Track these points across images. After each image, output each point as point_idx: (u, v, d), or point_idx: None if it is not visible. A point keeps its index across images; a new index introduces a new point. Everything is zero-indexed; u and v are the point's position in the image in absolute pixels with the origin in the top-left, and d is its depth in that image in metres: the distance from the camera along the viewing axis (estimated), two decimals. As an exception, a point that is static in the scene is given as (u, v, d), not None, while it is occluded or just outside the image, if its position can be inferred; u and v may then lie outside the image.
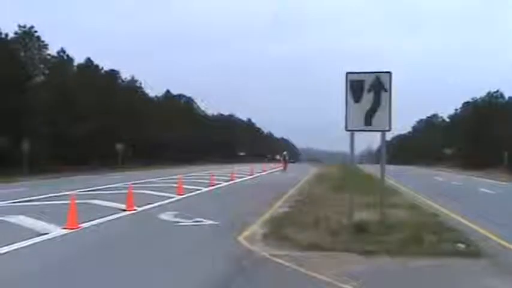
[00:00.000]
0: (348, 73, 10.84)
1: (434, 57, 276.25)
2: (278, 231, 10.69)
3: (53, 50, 51.07)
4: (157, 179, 31.62)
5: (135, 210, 14.89)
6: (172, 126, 74.14)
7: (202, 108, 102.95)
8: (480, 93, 78.81)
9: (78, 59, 59.08)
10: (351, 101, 10.77)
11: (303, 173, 42.29)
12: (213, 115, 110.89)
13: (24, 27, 47.26)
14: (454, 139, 78.26)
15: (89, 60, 61.46)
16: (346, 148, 12.16)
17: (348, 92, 10.79)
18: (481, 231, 11.75)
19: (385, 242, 9.26)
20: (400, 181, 31.64)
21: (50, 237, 10.43)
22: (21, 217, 13.02)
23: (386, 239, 9.51)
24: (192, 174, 37.63)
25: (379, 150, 22.43)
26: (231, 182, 30.16)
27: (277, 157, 71.63)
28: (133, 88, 71.58)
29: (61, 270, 7.90)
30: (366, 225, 10.39)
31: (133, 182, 26.27)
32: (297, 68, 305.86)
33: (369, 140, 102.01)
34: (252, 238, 10.41)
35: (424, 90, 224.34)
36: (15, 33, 46.79)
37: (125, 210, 14.67)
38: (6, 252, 8.92)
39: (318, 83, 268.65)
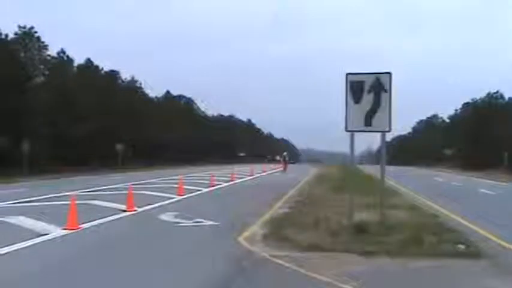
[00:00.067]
0: (347, 74, 10.85)
1: (434, 57, 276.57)
2: (278, 231, 10.69)
3: (53, 51, 51.19)
4: (158, 179, 31.63)
5: (135, 210, 14.89)
6: (173, 126, 74.17)
7: (202, 109, 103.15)
8: (480, 93, 78.93)
9: (78, 59, 59.22)
10: (351, 101, 10.78)
11: (303, 174, 42.29)
12: (213, 116, 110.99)
13: (24, 27, 47.31)
14: (454, 140, 78.28)
15: (89, 60, 61.51)
16: (346, 149, 12.19)
17: (348, 92, 10.80)
18: (481, 232, 11.75)
19: (385, 243, 9.27)
20: (400, 182, 31.64)
21: (50, 238, 10.43)
22: (21, 218, 13.02)
23: (386, 240, 9.51)
24: (192, 174, 37.62)
25: (379, 150, 22.47)
26: (231, 182, 30.16)
27: (277, 158, 71.70)
28: (133, 88, 71.60)
29: (61, 271, 7.90)
30: (366, 226, 10.40)
31: (134, 182, 26.28)
32: (297, 68, 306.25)
33: (369, 141, 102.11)
34: (252, 239, 10.41)
35: (424, 90, 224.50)
36: (15, 33, 46.85)
37: (125, 211, 14.67)
38: (6, 253, 8.92)
39: (318, 83, 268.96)
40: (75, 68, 57.82)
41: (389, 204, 13.62)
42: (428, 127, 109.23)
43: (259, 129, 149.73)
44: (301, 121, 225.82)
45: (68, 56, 55.48)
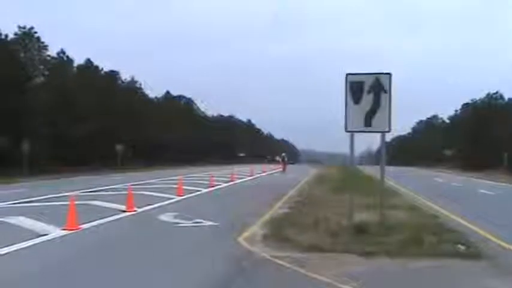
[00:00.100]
0: (347, 74, 10.85)
1: (434, 57, 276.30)
2: (278, 232, 10.69)
3: (52, 51, 51.25)
4: (157, 180, 31.63)
5: (135, 211, 14.89)
6: (172, 127, 74.19)
7: (202, 109, 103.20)
8: (480, 93, 78.96)
9: (78, 59, 59.27)
10: (350, 102, 10.77)
11: (302, 174, 42.29)
12: (213, 116, 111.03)
13: (24, 28, 47.35)
14: (453, 140, 78.30)
15: (88, 61, 61.55)
16: (346, 149, 12.18)
17: (348, 93, 10.79)
18: (481, 232, 11.75)
19: (385, 243, 9.26)
20: (399, 182, 31.64)
21: (49, 238, 10.43)
22: (21, 218, 13.02)
23: (386, 240, 9.51)
24: (192, 175, 37.62)
25: (379, 151, 22.47)
26: (231, 183, 30.16)
27: (277, 158, 71.65)
28: (133, 89, 71.62)
29: (61, 271, 7.90)
30: (366, 227, 10.39)
31: (133, 183, 26.29)
32: (297, 68, 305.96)
33: (369, 141, 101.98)
34: (252, 239, 10.41)
35: (424, 90, 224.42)
36: (15, 34, 46.90)
37: (124, 211, 14.67)
38: (6, 253, 8.92)
39: (318, 83, 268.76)
40: (75, 69, 57.85)
41: (389, 205, 13.62)
42: (428, 127, 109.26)
43: (259, 130, 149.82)
44: (301, 121, 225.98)
45: (67, 57, 55.56)
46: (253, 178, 37.15)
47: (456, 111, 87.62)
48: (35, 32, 47.72)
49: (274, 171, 51.01)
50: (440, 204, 18.01)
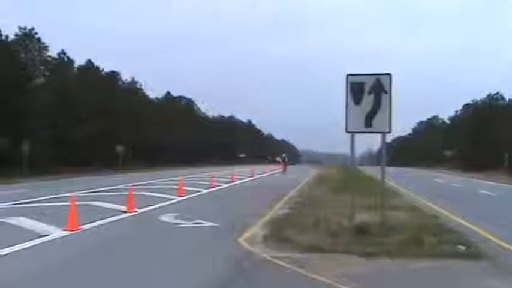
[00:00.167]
0: (348, 75, 10.85)
1: (434, 57, 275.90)
2: (278, 233, 10.69)
3: (53, 52, 51.21)
4: (158, 180, 31.64)
5: (135, 212, 14.89)
6: (173, 128, 74.19)
7: (203, 110, 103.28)
8: (480, 94, 79.06)
9: (79, 59, 59.23)
10: (351, 103, 10.78)
11: (303, 175, 42.30)
12: (213, 117, 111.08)
13: (25, 29, 47.37)
14: (454, 141, 78.26)
15: (89, 61, 61.56)
16: (346, 150, 12.19)
17: (348, 94, 10.80)
18: (481, 232, 11.75)
19: (386, 244, 9.26)
20: (400, 183, 31.65)
21: (50, 239, 10.44)
22: (22, 219, 13.02)
23: (387, 241, 9.51)
24: (193, 175, 37.63)
25: (379, 152, 22.50)
26: (232, 183, 30.17)
27: (278, 159, 71.69)
28: (133, 90, 71.63)
29: (61, 272, 7.91)
30: (367, 227, 10.39)
31: (134, 183, 26.28)
32: (297, 68, 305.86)
33: (369, 142, 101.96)
34: (253, 240, 10.41)
35: (424, 90, 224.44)
36: (16, 34, 46.90)
37: (125, 212, 14.68)
38: (6, 254, 8.93)
39: (318, 83, 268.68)
40: (75, 69, 57.87)
41: (389, 205, 13.62)
42: (429, 128, 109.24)
43: (259, 130, 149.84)
44: (301, 122, 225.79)
45: (68, 57, 55.53)
46: (254, 179, 37.16)
47: (457, 111, 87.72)
48: (36, 33, 47.77)
49: (274, 171, 51.01)
50: (440, 205, 18.01)
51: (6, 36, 45.37)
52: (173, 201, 18.55)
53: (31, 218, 13.12)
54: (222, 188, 26.43)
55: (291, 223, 11.91)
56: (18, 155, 38.19)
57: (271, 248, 9.51)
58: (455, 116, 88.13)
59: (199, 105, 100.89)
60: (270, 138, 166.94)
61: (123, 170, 48.25)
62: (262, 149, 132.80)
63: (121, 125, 57.49)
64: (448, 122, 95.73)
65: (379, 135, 11.25)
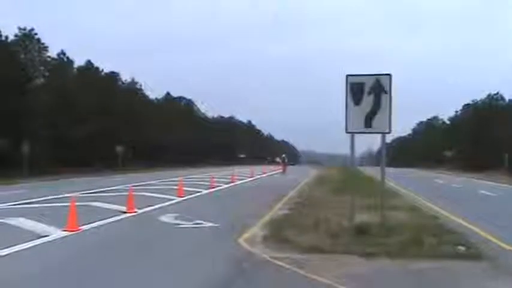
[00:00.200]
0: (348, 76, 10.85)
1: (434, 57, 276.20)
2: (278, 233, 10.69)
3: (53, 52, 51.31)
4: (158, 181, 31.64)
5: (135, 212, 14.89)
6: (173, 128, 74.23)
7: (203, 111, 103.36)
8: (480, 94, 79.13)
9: (78, 59, 59.38)
10: (351, 103, 10.78)
11: (303, 175, 42.30)
12: (213, 117, 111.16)
13: (24, 29, 47.44)
14: (454, 141, 78.26)
15: (89, 62, 61.61)
16: (346, 150, 12.19)
17: (348, 94, 10.80)
18: (482, 233, 11.74)
19: (386, 244, 9.26)
20: (400, 183, 31.65)
21: (50, 240, 10.44)
22: (22, 219, 13.02)
23: (387, 241, 9.50)
24: (192, 176, 37.63)
25: (379, 152, 22.50)
26: (231, 184, 30.17)
27: (277, 159, 71.71)
28: (133, 90, 71.66)
29: (61, 273, 7.90)
30: (367, 228, 10.39)
31: (134, 184, 26.29)
32: (297, 68, 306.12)
33: (369, 142, 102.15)
34: (252, 240, 10.41)
35: (424, 90, 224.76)
36: (16, 35, 47.00)
37: (125, 212, 14.67)
38: (6, 255, 8.92)
39: (318, 83, 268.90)
40: (75, 70, 57.89)
41: (389, 206, 13.61)
42: (429, 128, 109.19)
43: (259, 131, 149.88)
44: (301, 122, 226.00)
45: (68, 58, 55.61)
46: (254, 179, 37.16)
47: (456, 112, 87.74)
48: (35, 34, 47.87)
49: (274, 172, 51.01)
50: (440, 205, 18.01)
51: (6, 37, 45.47)
52: (173, 201, 18.55)
53: (31, 218, 13.11)
54: (222, 189, 26.42)
55: (290, 224, 11.91)
56: (18, 155, 38.20)
57: (271, 248, 9.51)
58: (455, 116, 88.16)
59: (199, 105, 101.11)
60: (270, 138, 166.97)
61: (123, 171, 48.25)
62: (262, 149, 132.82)
63: (121, 125, 57.50)
64: (448, 122, 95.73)
65: (379, 136, 11.25)
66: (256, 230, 11.72)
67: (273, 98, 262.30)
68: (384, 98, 10.68)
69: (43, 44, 48.32)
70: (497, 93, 75.44)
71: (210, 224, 12.75)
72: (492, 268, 8.22)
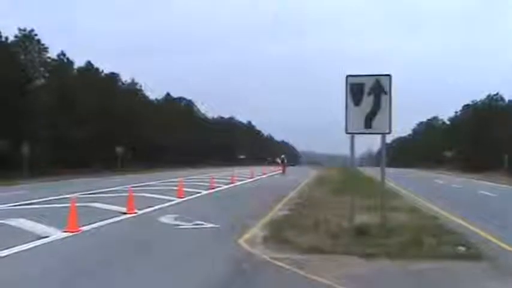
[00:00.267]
0: (348, 76, 10.85)
1: (434, 57, 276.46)
2: (278, 234, 10.69)
3: (53, 53, 51.35)
4: (158, 181, 31.63)
5: (135, 213, 14.89)
6: (173, 129, 74.24)
7: (203, 111, 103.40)
8: (480, 94, 79.18)
9: (78, 60, 59.51)
10: (351, 104, 10.78)
11: (303, 176, 42.29)
12: (213, 118, 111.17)
13: (24, 30, 47.49)
14: (454, 142, 78.26)
15: (89, 63, 61.68)
16: (346, 151, 12.19)
17: (348, 95, 10.79)
18: (482, 233, 11.74)
19: (386, 245, 9.26)
20: (400, 184, 31.65)
21: (50, 241, 10.44)
22: (22, 220, 13.02)
23: (387, 242, 9.51)
24: (192, 177, 37.62)
25: (379, 152, 22.49)
26: (231, 185, 30.17)
27: (277, 160, 71.72)
28: (133, 91, 71.71)
29: (62, 273, 7.89)
30: (367, 228, 10.39)
31: (134, 185, 26.30)
32: (297, 68, 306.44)
33: (369, 143, 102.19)
34: (253, 241, 10.41)
35: (424, 90, 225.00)
36: (16, 36, 47.04)
37: (125, 213, 14.67)
38: (6, 256, 8.92)
39: (318, 83, 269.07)
40: (75, 70, 57.91)
41: (389, 207, 13.59)
42: (429, 129, 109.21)
43: (259, 132, 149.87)
44: (301, 122, 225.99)
45: (68, 59, 55.62)
46: (254, 180, 37.15)
47: (456, 112, 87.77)
48: (35, 35, 47.92)
49: (274, 173, 50.99)
50: (440, 206, 18.01)
51: (6, 38, 45.49)
52: (173, 202, 18.54)
53: (31, 219, 13.11)
54: (222, 189, 26.42)
55: (291, 224, 11.91)
56: (18, 156, 38.20)
57: (271, 249, 9.51)
58: (455, 116, 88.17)
59: (199, 106, 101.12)
60: (270, 139, 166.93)
61: (123, 172, 48.25)
62: (262, 150, 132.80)
63: (121, 126, 57.51)
64: (448, 122, 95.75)
65: (378, 136, 11.24)
66: (257, 230, 11.72)
67: (273, 98, 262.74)
68: (384, 98, 10.68)
69: (43, 44, 48.39)
70: (497, 93, 75.50)
71: (210, 225, 12.74)
72: (492, 268, 8.22)
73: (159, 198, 19.30)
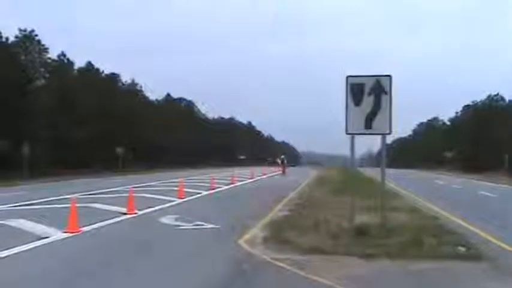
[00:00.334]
0: (348, 76, 10.85)
1: (434, 57, 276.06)
2: (278, 234, 10.69)
3: (53, 54, 51.38)
4: (158, 182, 31.63)
5: (135, 213, 14.89)
6: (173, 129, 74.25)
7: (203, 112, 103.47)
8: (480, 94, 79.34)
9: (79, 60, 59.58)
10: (351, 104, 10.78)
11: (303, 176, 42.29)
12: (213, 118, 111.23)
13: (25, 30, 47.54)
14: (454, 142, 78.27)
15: (89, 63, 61.72)
16: (346, 151, 12.19)
17: (348, 95, 10.79)
18: (482, 234, 11.74)
19: (386, 245, 9.26)
20: (400, 184, 31.65)
21: (50, 241, 10.43)
22: (22, 221, 13.02)
23: (387, 242, 9.50)
24: (193, 177, 37.62)
25: (379, 153, 22.53)
26: (232, 185, 30.17)
27: (277, 161, 71.78)
28: (133, 91, 71.74)
29: (62, 274, 7.89)
30: (367, 229, 10.39)
31: (134, 185, 26.30)
32: (297, 68, 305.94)
33: (370, 143, 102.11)
34: (253, 241, 10.41)
35: (424, 91, 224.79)
36: (16, 37, 47.09)
37: (125, 214, 14.67)
38: (6, 256, 8.92)
39: (318, 83, 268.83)
40: (75, 71, 57.95)
41: (389, 207, 13.60)
42: (429, 129, 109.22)
43: (259, 132, 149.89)
44: (301, 123, 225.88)
45: (68, 59, 55.67)
46: (254, 180, 37.15)
47: (457, 113, 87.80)
48: (36, 35, 47.95)
49: (274, 173, 50.98)
50: (440, 206, 18.01)
51: (7, 38, 45.53)
52: (173, 203, 18.55)
53: (31, 220, 13.11)
54: (222, 190, 26.42)
55: (291, 225, 11.91)
56: (18, 157, 38.20)
57: (271, 249, 9.50)
58: (455, 117, 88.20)
59: (199, 106, 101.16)
60: (270, 139, 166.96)
61: (123, 172, 48.26)
62: (262, 150, 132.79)
63: (121, 126, 57.54)
64: (448, 123, 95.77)
65: (379, 137, 11.24)
66: (257, 231, 11.72)
67: (273, 98, 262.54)
68: (384, 98, 10.68)
69: (43, 45, 48.43)
70: (497, 94, 75.58)
71: (211, 226, 12.74)
72: (492, 269, 8.22)
73: (159, 199, 19.30)
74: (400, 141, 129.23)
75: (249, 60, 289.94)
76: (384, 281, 7.57)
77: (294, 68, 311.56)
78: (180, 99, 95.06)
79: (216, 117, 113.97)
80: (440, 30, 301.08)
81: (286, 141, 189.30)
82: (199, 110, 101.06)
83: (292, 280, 7.55)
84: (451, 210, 16.60)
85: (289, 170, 54.99)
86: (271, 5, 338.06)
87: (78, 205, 12.64)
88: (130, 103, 64.10)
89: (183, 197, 20.31)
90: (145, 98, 76.11)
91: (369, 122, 10.71)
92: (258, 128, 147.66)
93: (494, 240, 10.83)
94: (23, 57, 46.95)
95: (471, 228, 12.67)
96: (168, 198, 19.74)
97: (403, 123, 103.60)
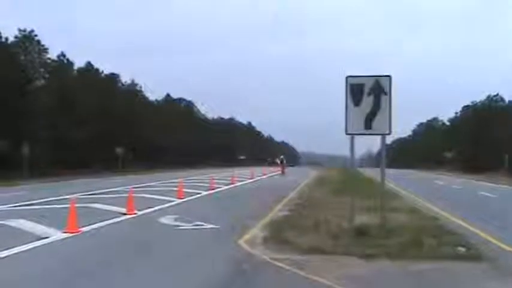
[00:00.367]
0: (347, 77, 10.85)
1: (434, 57, 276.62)
2: (278, 234, 10.69)
3: (53, 54, 51.39)
4: (158, 182, 31.62)
5: (135, 214, 14.88)
6: (173, 129, 74.25)
7: (203, 112, 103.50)
8: (480, 95, 79.23)
9: (78, 60, 59.53)
10: (350, 104, 10.78)
11: (303, 177, 42.29)
12: (213, 119, 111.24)
13: (25, 31, 47.53)
14: (454, 142, 78.27)
15: (89, 63, 61.71)
16: (346, 151, 12.18)
17: (348, 95, 10.79)
18: (482, 234, 11.74)
19: (386, 246, 9.26)
20: (400, 185, 31.65)
21: (50, 241, 10.43)
22: (22, 221, 13.01)
23: (387, 243, 9.50)
24: (192, 177, 37.62)
25: (379, 153, 22.51)
26: (231, 185, 30.17)
27: (277, 161, 71.78)
28: (133, 91, 71.72)
29: (61, 274, 7.89)
30: (367, 229, 10.39)
31: (134, 185, 26.29)
32: (297, 68, 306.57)
33: (369, 144, 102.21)
34: (253, 242, 10.41)
35: (424, 91, 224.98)
36: (16, 37, 47.09)
37: (125, 214, 14.66)
38: (6, 256, 8.91)
39: (318, 83, 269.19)
40: (75, 71, 57.94)
41: (389, 207, 13.60)
42: (429, 130, 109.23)
43: (259, 132, 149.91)
44: (301, 123, 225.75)
45: (68, 59, 55.67)
46: (254, 181, 37.15)
47: (456, 113, 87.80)
48: (35, 35, 47.95)
49: (274, 173, 50.98)
50: (440, 207, 18.01)
51: (6, 39, 45.53)
52: (173, 203, 18.54)
53: (31, 220, 13.10)
54: (222, 190, 26.41)
55: (290, 225, 11.91)
56: (18, 157, 38.21)
57: (271, 249, 9.50)
58: (455, 117, 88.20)
59: (199, 106, 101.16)
60: (270, 140, 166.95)
61: (123, 172, 48.25)
62: (262, 151, 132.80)
63: (121, 127, 57.55)
64: (447, 123, 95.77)
65: (378, 137, 11.24)
66: (257, 231, 11.72)
67: (273, 98, 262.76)
68: (384, 99, 10.68)
69: (43, 45, 48.43)
70: (497, 94, 75.60)
71: (211, 226, 12.74)
72: (492, 269, 8.22)
73: (159, 199, 19.30)
74: (400, 142, 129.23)
75: (249, 60, 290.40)
76: (383, 281, 7.57)
77: (294, 68, 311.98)
78: (180, 100, 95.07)
79: (215, 117, 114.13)
80: (440, 30, 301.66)
81: (285, 141, 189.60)
82: (199, 110, 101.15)
83: (292, 280, 7.55)
84: (451, 211, 16.60)
85: (288, 170, 54.96)
86: (271, 5, 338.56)
87: (77, 205, 12.65)
88: (130, 103, 64.11)
89: (182, 197, 20.30)
90: (145, 98, 76.12)
91: (368, 122, 10.71)
92: (258, 128, 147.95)
93: (494, 241, 10.83)
94: (22, 58, 46.95)
95: (471, 228, 12.67)
96: (168, 198, 19.74)
97: (402, 123, 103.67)
